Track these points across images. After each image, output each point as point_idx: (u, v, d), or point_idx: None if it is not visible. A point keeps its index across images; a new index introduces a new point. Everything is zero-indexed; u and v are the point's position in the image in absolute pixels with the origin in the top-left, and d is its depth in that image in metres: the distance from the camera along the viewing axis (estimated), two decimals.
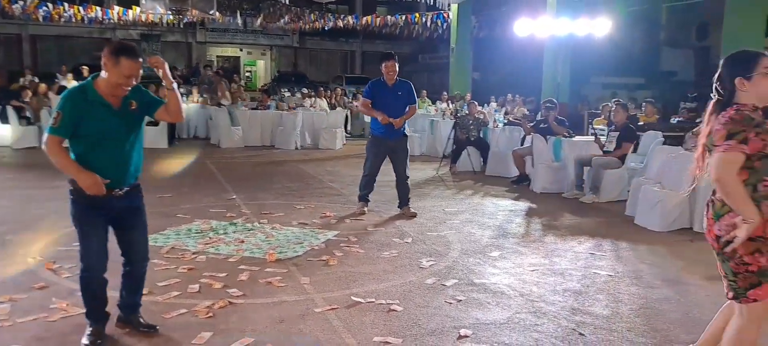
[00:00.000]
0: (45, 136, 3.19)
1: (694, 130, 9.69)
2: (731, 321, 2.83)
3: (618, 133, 8.09)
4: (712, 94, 2.74)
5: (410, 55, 31.89)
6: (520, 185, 8.96)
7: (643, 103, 12.15)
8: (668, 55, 23.79)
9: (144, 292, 3.73)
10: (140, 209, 3.49)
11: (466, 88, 17.16)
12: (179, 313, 3.88)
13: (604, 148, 8.18)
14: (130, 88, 3.24)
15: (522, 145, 9.62)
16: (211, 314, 3.86)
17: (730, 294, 2.75)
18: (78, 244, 3.32)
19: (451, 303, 4.18)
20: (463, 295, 4.34)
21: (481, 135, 10.31)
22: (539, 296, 4.37)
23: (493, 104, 15.48)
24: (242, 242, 5.55)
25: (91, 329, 3.40)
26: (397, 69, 6.81)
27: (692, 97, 14.22)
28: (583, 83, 18.95)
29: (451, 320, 3.87)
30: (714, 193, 2.72)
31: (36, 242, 5.47)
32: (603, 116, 10.49)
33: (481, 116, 10.57)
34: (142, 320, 3.60)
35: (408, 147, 7.07)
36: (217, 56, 35.29)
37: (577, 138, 8.98)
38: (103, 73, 3.18)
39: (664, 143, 8.72)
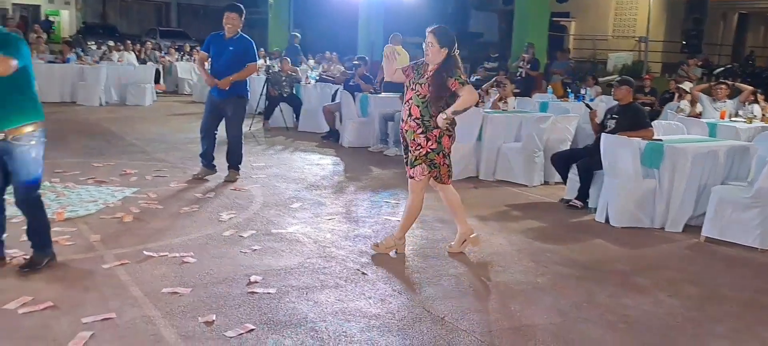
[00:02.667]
0: None
1: (483, 86, 10.67)
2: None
3: None
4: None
5: (229, 9, 30.87)
6: (329, 140, 9.28)
7: None
8: (476, 17, 25.58)
9: None
10: None
11: (284, 45, 17.12)
12: None
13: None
14: None
15: (333, 101, 9.93)
16: None
17: None
18: None
19: (245, 253, 4.33)
20: (259, 245, 4.51)
21: (294, 92, 10.46)
22: (331, 242, 4.68)
23: (312, 61, 15.64)
24: None
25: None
26: (239, 22, 6.33)
27: (494, 58, 15.49)
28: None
29: (243, 269, 4.03)
30: None
31: None
32: None
33: (294, 73, 10.69)
34: None
35: (244, 108, 6.56)
36: (14, 4, 31.26)
37: (384, 94, 9.47)
38: None
39: None
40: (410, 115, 4.31)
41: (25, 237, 3.90)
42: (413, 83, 4.35)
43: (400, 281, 4.02)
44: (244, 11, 6.48)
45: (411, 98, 4.33)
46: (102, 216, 5.01)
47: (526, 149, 7.04)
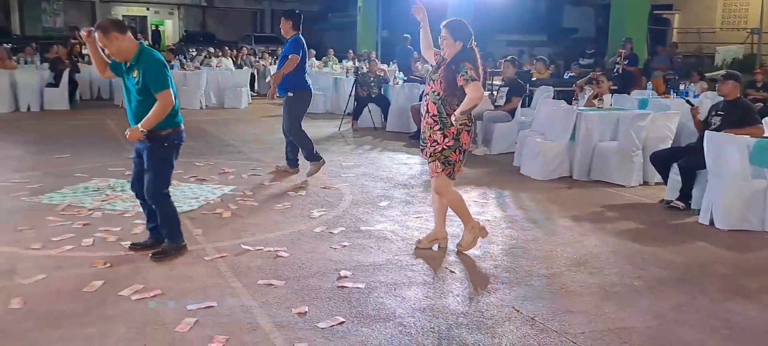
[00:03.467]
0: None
1: (577, 82, 10.37)
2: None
3: (507, 88, 8.56)
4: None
5: (320, 13, 31.64)
6: (417, 140, 9.28)
7: (535, 60, 12.78)
8: (570, 12, 24.84)
9: (37, 246, 4.25)
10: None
11: (372, 47, 17.37)
12: (74, 265, 3.99)
13: (495, 103, 8.64)
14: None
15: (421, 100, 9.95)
16: (108, 264, 3.99)
17: None
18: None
19: (335, 249, 4.45)
20: (349, 241, 4.62)
21: (382, 92, 10.59)
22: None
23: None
24: None
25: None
26: (288, 27, 6.59)
27: (590, 54, 15.01)
28: (488, 41, 19.55)
29: (333, 264, 4.14)
30: None
31: None
32: (501, 75, 10.99)
33: (382, 73, 10.82)
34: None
35: (290, 106, 6.66)
36: (124, 16, 33.63)
37: None
38: None
39: (556, 98, 9.32)
40: (427, 111, 4.24)
41: (138, 230, 4.23)
42: (430, 78, 4.33)
43: (489, 279, 4.00)
44: (298, 16, 6.75)
45: (428, 93, 4.28)
46: (203, 212, 5.30)
47: (623, 148, 6.78)
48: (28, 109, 11.90)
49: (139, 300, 3.48)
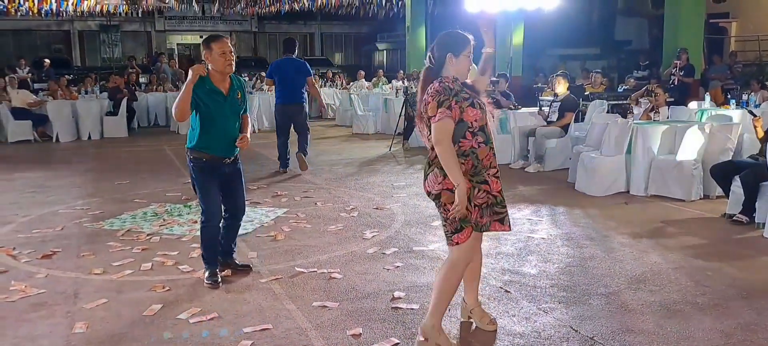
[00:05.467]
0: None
1: (632, 95, 10.13)
2: (446, 260, 3.27)
3: (560, 103, 8.43)
4: (425, 62, 3.19)
5: (368, 35, 31.95)
6: None
7: (591, 73, 12.55)
8: (623, 24, 24.28)
9: (99, 271, 4.42)
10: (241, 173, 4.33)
11: (421, 66, 17.43)
12: (133, 289, 4.12)
13: (548, 119, 8.52)
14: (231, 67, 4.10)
15: None
16: (167, 288, 4.10)
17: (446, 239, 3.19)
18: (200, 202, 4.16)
19: (389, 269, 4.44)
20: (402, 262, 4.61)
21: None
22: None
23: None
24: (195, 222, 5.71)
25: (209, 270, 4.18)
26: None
27: (644, 66, 14.65)
28: (539, 56, 19.31)
29: (386, 285, 4.14)
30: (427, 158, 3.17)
31: None
32: (549, 88, 10.85)
33: None
34: (237, 262, 4.43)
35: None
36: (178, 44, 34.82)
37: (523, 110, 9.30)
38: (209, 66, 4.05)
39: (610, 112, 9.13)
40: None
41: (195, 254, 4.43)
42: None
43: (545, 299, 3.91)
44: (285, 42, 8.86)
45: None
46: (258, 235, 5.39)
47: (681, 161, 6.56)
48: (89, 137, 12.41)
49: (196, 323, 3.55)
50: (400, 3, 19.76)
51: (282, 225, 5.67)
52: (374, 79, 16.92)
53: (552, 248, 4.97)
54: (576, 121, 8.66)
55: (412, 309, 3.72)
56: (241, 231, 5.38)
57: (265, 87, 15.29)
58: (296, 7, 20.93)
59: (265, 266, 4.56)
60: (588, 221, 5.81)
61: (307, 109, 8.58)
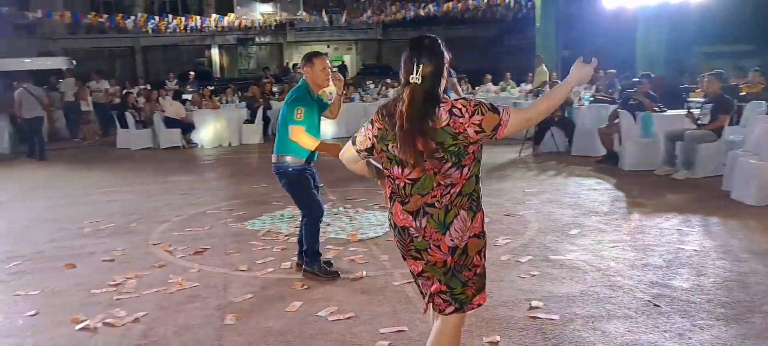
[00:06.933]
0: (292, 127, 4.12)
1: None
2: (438, 333, 2.47)
3: (712, 105, 7.76)
4: (412, 78, 2.27)
5: (495, 37, 31.33)
6: (607, 164, 8.77)
7: (750, 72, 11.44)
8: None
9: (244, 268, 4.70)
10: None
11: (553, 67, 16.79)
12: (275, 286, 4.33)
13: (699, 122, 7.87)
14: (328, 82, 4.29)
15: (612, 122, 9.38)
16: (306, 286, 4.25)
17: (451, 309, 2.39)
18: (304, 206, 4.37)
19: (524, 278, 4.28)
20: (538, 270, 4.42)
21: (566, 114, 10.15)
22: (616, 271, 4.38)
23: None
24: (328, 224, 5.89)
25: (321, 260, 4.41)
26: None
27: None
28: (685, 54, 17.94)
29: (522, 293, 3.98)
30: (430, 204, 2.28)
31: (154, 228, 6.12)
32: (699, 88, 10.02)
33: None
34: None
35: None
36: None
37: (669, 112, 8.66)
38: (308, 78, 4.24)
39: None
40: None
41: (330, 255, 4.69)
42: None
43: (701, 315, 3.57)
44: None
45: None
46: (388, 239, 5.41)
47: None
48: (229, 144, 13.22)
49: (335, 321, 3.62)
50: (529, 3, 19.25)
51: None
52: (502, 83, 16.59)
53: (706, 261, 4.55)
54: (731, 123, 7.92)
55: (552, 319, 3.55)
56: (371, 234, 5.51)
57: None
58: (421, 12, 21.05)
59: (397, 269, 4.56)
60: (746, 233, 5.27)
61: None
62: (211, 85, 17.88)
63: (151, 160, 11.25)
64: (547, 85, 13.88)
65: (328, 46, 37.54)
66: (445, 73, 2.35)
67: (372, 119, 2.41)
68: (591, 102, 10.57)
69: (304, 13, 24.68)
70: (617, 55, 15.71)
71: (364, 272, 4.46)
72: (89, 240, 5.74)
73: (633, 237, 5.25)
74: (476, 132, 2.22)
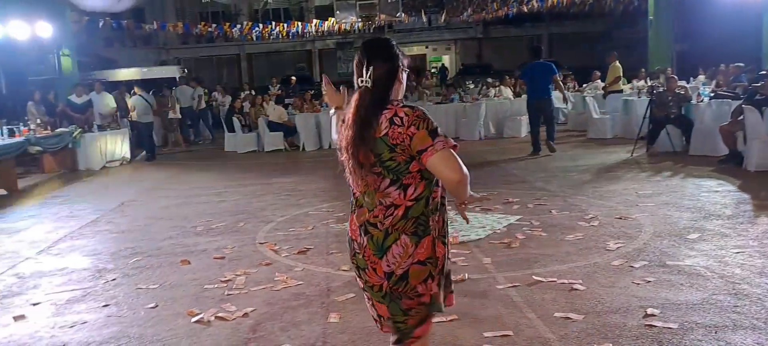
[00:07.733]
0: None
1: None
2: None
3: None
4: (360, 82, 2.15)
5: (603, 32, 29.98)
6: (729, 164, 8.12)
7: None
8: None
9: (346, 268, 4.63)
10: None
11: (667, 62, 15.81)
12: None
13: None
14: None
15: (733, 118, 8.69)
16: None
17: (394, 338, 2.23)
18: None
19: (638, 284, 4.03)
20: (653, 276, 4.15)
21: (683, 112, 9.51)
22: (742, 279, 4.03)
23: (701, 77, 14.09)
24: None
25: None
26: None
27: None
28: None
29: (637, 300, 3.75)
30: (372, 223, 2.13)
31: (260, 227, 6.34)
32: None
33: (682, 92, 9.71)
34: None
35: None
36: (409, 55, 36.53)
37: None
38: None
39: None
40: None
41: None
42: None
43: None
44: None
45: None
46: (491, 241, 5.29)
47: None
48: (330, 146, 13.48)
49: (437, 323, 3.55)
50: None
51: (515, 232, 5.50)
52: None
53: None
54: None
55: (670, 329, 3.32)
56: (473, 236, 5.40)
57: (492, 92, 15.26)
58: (525, 9, 20.53)
59: (501, 272, 4.44)
60: None
61: (554, 103, 10.33)
62: (311, 90, 18.35)
63: (255, 163, 11.70)
64: (620, 81, 13.32)
65: (427, 47, 37.59)
66: (401, 77, 2.19)
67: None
68: (711, 98, 9.84)
69: (403, 15, 24.81)
70: (741, 48, 14.57)
71: (466, 275, 4.37)
72: (202, 238, 6.03)
73: (761, 243, 4.82)
74: (400, 143, 2.02)
